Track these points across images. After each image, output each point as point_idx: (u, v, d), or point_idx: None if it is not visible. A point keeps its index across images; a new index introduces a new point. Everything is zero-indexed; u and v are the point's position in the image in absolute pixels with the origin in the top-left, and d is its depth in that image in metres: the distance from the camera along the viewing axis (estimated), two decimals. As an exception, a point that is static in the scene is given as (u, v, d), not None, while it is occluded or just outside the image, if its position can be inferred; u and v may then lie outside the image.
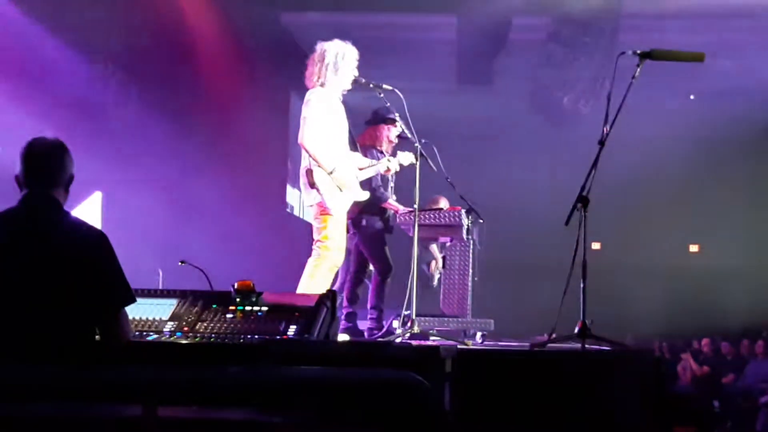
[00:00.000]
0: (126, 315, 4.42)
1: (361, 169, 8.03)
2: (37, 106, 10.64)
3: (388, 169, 8.33)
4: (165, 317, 5.09)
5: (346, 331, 8.16)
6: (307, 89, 7.76)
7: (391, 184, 8.92)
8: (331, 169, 7.53)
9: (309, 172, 7.53)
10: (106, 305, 4.31)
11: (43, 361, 4.01)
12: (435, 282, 10.32)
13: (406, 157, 8.31)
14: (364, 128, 8.92)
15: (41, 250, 4.24)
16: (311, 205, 7.65)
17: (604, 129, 6.67)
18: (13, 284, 4.19)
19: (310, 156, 7.51)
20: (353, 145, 8.11)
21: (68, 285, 4.20)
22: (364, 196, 7.95)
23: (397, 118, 8.23)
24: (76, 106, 11.18)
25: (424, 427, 3.68)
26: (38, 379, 3.73)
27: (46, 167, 4.40)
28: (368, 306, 8.66)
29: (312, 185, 7.51)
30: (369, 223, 8.55)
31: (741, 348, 15.99)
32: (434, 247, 10.51)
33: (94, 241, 4.33)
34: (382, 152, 8.71)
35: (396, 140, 8.78)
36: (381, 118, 8.79)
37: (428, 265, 10.72)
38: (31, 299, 4.17)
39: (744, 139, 18.13)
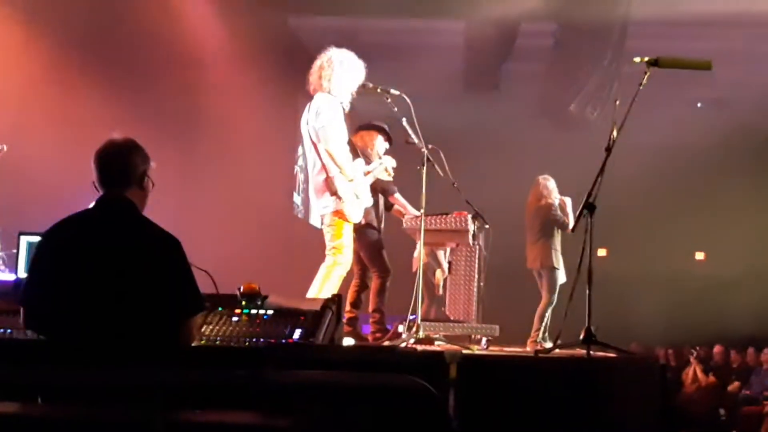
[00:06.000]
0: (194, 323, 4.42)
1: (365, 174, 8.06)
2: (45, 105, 10.68)
3: (387, 171, 8.38)
4: (170, 320, 5.07)
5: (348, 335, 8.16)
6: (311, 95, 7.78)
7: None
8: (352, 177, 7.56)
9: (329, 180, 7.51)
10: (174, 312, 4.31)
11: (106, 361, 4.01)
12: (440, 290, 10.32)
13: (390, 161, 8.45)
14: (355, 132, 8.88)
15: (112, 252, 4.23)
16: (325, 213, 7.64)
17: (611, 136, 6.67)
18: (83, 285, 4.20)
19: (335, 164, 7.51)
20: (354, 152, 8.11)
21: (137, 289, 4.20)
22: (371, 201, 8.00)
23: (404, 123, 8.20)
24: (80, 106, 11.21)
25: (428, 433, 3.68)
26: (46, 378, 3.74)
27: (114, 168, 4.42)
28: (369, 310, 8.66)
29: (333, 193, 7.51)
30: (367, 227, 8.52)
31: (747, 356, 15.94)
32: (440, 254, 10.50)
33: (166, 246, 4.31)
34: (371, 156, 8.69)
35: (385, 149, 8.83)
36: (375, 126, 8.84)
37: (434, 273, 10.72)
38: (100, 301, 4.17)
39: (750, 146, 18.15)
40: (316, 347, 4.84)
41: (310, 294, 7.33)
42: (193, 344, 4.42)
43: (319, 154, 7.58)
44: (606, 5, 13.31)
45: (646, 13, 13.39)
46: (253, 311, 5.13)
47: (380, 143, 8.80)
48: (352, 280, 8.61)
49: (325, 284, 7.43)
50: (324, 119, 7.53)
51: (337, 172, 7.50)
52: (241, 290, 5.23)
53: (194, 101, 13.08)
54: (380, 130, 8.82)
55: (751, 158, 18.44)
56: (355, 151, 8.18)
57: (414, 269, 9.10)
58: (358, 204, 7.67)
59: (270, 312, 5.13)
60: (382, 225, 8.74)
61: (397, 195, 8.95)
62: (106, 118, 10.85)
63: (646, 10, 13.31)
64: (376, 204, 8.48)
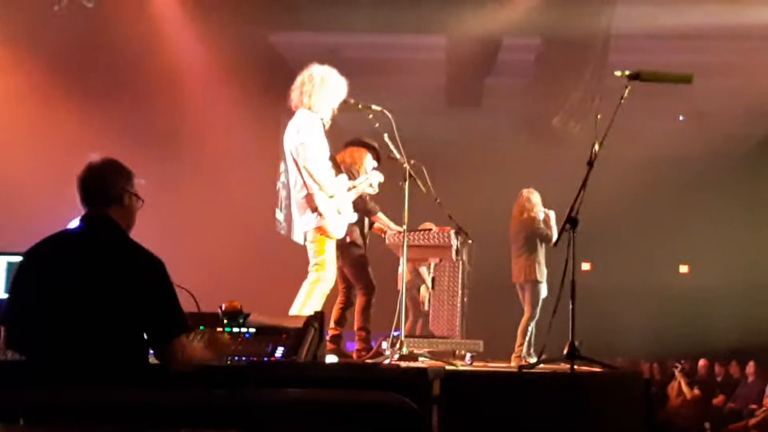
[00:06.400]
0: (180, 343, 4.34)
1: (348, 190, 8.02)
2: (26, 125, 10.65)
3: (372, 185, 8.34)
4: (151, 339, 5.03)
5: (331, 353, 8.11)
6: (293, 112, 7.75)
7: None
8: (333, 193, 7.52)
9: (309, 197, 7.47)
10: (157, 333, 4.28)
11: (87, 382, 3.99)
12: (427, 306, 10.30)
13: (377, 176, 8.37)
14: (344, 148, 8.85)
15: (94, 272, 4.22)
16: (307, 230, 7.60)
17: (593, 150, 6.66)
18: (65, 305, 4.18)
19: (314, 180, 7.46)
20: (336, 168, 8.08)
21: (119, 309, 4.18)
22: (355, 217, 7.96)
23: (387, 139, 8.17)
24: (61, 126, 11.17)
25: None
26: (27, 398, 3.71)
27: (92, 186, 4.45)
28: (355, 327, 8.61)
29: (314, 209, 7.47)
30: (351, 244, 8.48)
31: (731, 369, 15.96)
32: (424, 270, 10.48)
33: (149, 267, 4.29)
34: (359, 173, 8.65)
35: (372, 167, 8.77)
36: (365, 144, 8.77)
37: (418, 290, 10.70)
38: (82, 321, 4.16)
39: (733, 159, 18.22)
40: (299, 365, 4.81)
41: (292, 311, 7.29)
42: (184, 365, 4.36)
43: (299, 171, 7.54)
44: (588, 19, 13.31)
45: (628, 27, 13.43)
46: (235, 329, 5.11)
47: (369, 161, 8.74)
48: (338, 298, 8.56)
49: (308, 301, 7.39)
50: (303, 136, 7.50)
51: (317, 188, 7.46)
52: (223, 308, 5.21)
53: (176, 118, 13.04)
54: (370, 148, 8.76)
55: (735, 171, 18.53)
56: (338, 167, 8.13)
57: (399, 286, 9.06)
58: (340, 220, 7.63)
59: (252, 330, 5.11)
60: (367, 242, 8.70)
61: (380, 215, 8.87)
62: (88, 137, 10.83)
63: (628, 24, 13.34)
64: (361, 221, 8.43)
